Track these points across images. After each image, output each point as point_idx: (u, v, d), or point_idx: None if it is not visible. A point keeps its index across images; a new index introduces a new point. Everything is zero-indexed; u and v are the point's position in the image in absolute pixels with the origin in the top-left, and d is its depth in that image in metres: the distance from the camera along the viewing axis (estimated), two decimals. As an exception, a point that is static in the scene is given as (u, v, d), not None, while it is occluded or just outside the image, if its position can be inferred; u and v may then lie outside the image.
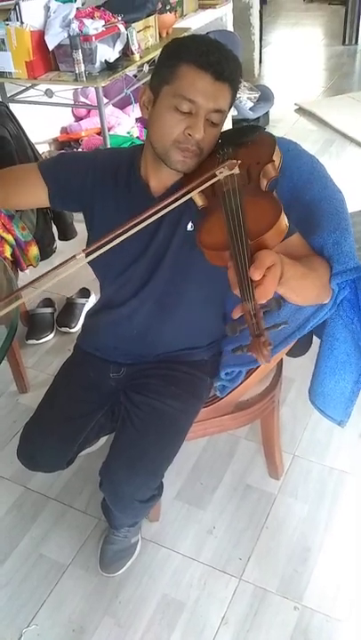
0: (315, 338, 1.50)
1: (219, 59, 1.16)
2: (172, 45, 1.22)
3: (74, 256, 1.13)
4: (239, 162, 1.15)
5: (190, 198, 1.16)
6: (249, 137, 1.25)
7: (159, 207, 1.14)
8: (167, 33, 3.17)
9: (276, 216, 1.03)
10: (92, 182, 1.37)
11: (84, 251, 1.13)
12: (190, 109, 1.18)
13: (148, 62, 2.94)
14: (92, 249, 1.13)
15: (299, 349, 1.55)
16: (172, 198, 1.14)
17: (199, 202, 1.18)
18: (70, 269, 1.11)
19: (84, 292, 2.68)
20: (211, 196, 1.16)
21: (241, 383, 1.51)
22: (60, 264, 1.13)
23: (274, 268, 0.98)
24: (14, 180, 1.40)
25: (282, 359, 1.66)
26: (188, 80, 1.16)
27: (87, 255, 1.13)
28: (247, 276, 0.94)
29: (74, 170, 1.39)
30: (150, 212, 1.14)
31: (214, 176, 1.14)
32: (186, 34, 3.03)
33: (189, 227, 1.29)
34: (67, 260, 1.13)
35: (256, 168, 1.15)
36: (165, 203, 1.13)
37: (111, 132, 3.44)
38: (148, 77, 1.33)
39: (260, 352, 0.90)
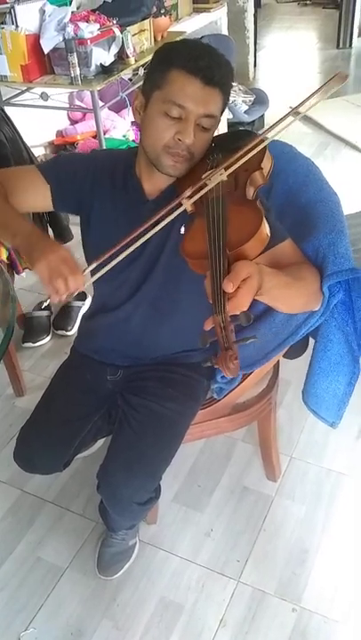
0: (311, 340, 1.51)
1: (209, 63, 1.16)
2: (163, 50, 1.23)
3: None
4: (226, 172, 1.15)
5: (180, 203, 1.17)
6: (239, 143, 1.24)
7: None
8: (162, 36, 3.18)
9: (257, 226, 1.02)
10: (91, 182, 1.36)
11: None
12: (180, 115, 1.18)
13: (143, 66, 2.94)
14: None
15: (295, 351, 1.56)
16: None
17: (188, 207, 1.18)
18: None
19: (81, 295, 2.68)
20: (198, 201, 1.17)
21: (238, 385, 1.51)
22: None
23: (250, 280, 0.97)
24: (15, 179, 1.37)
25: (278, 361, 1.67)
26: (177, 85, 1.16)
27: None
28: (221, 288, 0.94)
29: (73, 170, 1.38)
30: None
31: (205, 185, 1.14)
32: (181, 37, 3.05)
33: (182, 230, 1.29)
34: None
35: (244, 175, 1.15)
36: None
37: (107, 136, 3.44)
38: (143, 81, 1.34)
39: (226, 365, 0.90)
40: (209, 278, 0.98)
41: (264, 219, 1.04)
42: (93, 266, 1.15)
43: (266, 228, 1.04)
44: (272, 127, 1.21)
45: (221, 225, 1.04)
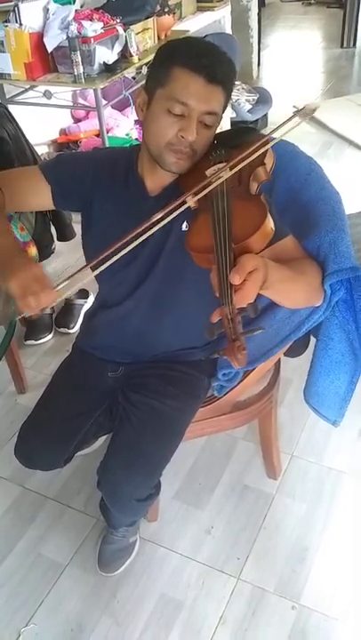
0: (312, 338, 1.51)
1: (211, 61, 1.17)
2: (166, 48, 1.23)
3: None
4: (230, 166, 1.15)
5: (184, 201, 1.17)
6: (241, 139, 1.25)
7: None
8: (166, 35, 3.18)
9: (262, 220, 1.03)
10: (92, 181, 1.37)
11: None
12: (183, 112, 1.18)
13: (146, 64, 2.94)
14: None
15: (297, 349, 1.56)
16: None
17: (191, 203, 1.19)
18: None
19: (83, 293, 2.68)
20: (202, 197, 1.17)
21: (239, 383, 1.51)
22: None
23: (256, 272, 0.98)
24: (17, 180, 1.39)
25: (280, 360, 1.67)
26: (180, 83, 1.17)
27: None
28: (227, 280, 0.95)
29: (74, 169, 1.39)
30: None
31: (210, 183, 1.15)
32: (184, 36, 3.04)
33: (184, 226, 1.29)
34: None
35: (247, 171, 1.16)
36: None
37: (110, 134, 3.45)
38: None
39: (234, 356, 0.91)
40: (215, 271, 0.99)
41: (268, 213, 1.05)
42: (103, 255, 1.16)
43: (270, 222, 1.05)
44: (279, 127, 1.21)
45: (227, 219, 1.05)
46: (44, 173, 1.37)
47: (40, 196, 1.38)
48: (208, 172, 1.20)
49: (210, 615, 1.58)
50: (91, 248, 1.43)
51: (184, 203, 1.17)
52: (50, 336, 2.54)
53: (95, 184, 1.37)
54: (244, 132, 1.30)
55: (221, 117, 1.25)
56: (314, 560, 1.68)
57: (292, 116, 1.22)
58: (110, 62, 2.71)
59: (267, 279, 1.03)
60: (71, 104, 3.50)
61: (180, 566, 1.70)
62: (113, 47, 2.75)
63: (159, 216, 1.16)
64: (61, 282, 1.14)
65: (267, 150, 1.19)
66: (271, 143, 1.19)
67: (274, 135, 1.22)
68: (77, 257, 1.19)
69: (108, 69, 2.71)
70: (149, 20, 2.99)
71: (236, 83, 4.01)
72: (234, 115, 3.92)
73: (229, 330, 0.93)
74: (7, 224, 1.30)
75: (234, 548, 1.73)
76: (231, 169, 1.16)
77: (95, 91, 2.68)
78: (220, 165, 1.19)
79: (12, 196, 1.34)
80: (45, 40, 2.64)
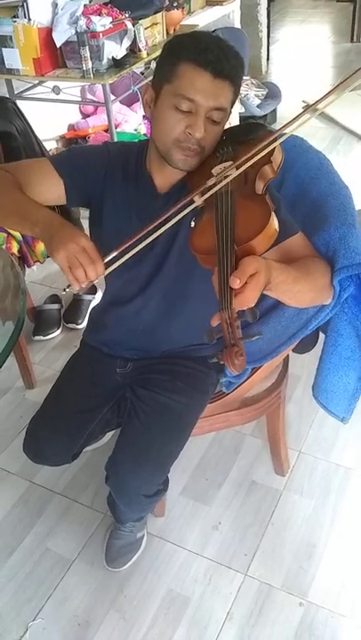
0: (321, 334, 1.50)
1: (218, 56, 1.15)
2: (172, 43, 1.22)
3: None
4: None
5: (192, 200, 1.16)
6: (250, 135, 1.23)
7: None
8: (174, 30, 3.17)
9: (265, 222, 1.01)
10: (104, 177, 1.35)
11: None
12: (190, 108, 1.17)
13: (155, 59, 2.93)
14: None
15: (305, 346, 1.55)
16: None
17: (199, 202, 1.18)
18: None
19: (91, 289, 2.69)
20: (208, 196, 1.16)
21: (247, 379, 1.51)
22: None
23: (257, 275, 0.97)
24: (28, 172, 1.34)
25: (288, 356, 1.66)
26: (187, 79, 1.15)
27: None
28: (228, 284, 0.94)
29: (86, 164, 1.36)
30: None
31: (216, 183, 1.13)
32: (190, 31, 3.03)
33: (192, 224, 1.28)
34: None
35: (254, 169, 1.14)
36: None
37: (118, 130, 3.44)
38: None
39: (231, 362, 0.90)
40: (216, 273, 0.97)
41: (273, 214, 1.03)
42: (114, 254, 1.14)
43: (274, 224, 1.03)
44: (288, 124, 1.19)
45: (230, 220, 1.03)
46: (58, 168, 1.33)
47: (51, 190, 1.34)
48: (214, 171, 1.18)
49: (217, 611, 1.58)
50: (100, 243, 1.42)
51: (192, 202, 1.15)
52: (58, 331, 2.55)
53: (107, 181, 1.35)
54: (253, 128, 1.28)
55: (230, 113, 1.24)
56: (321, 556, 1.68)
57: (302, 113, 1.20)
58: (119, 57, 2.71)
59: (270, 281, 1.02)
60: (80, 99, 3.50)
61: (188, 562, 1.70)
62: (122, 42, 2.74)
63: (169, 214, 1.14)
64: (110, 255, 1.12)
65: (274, 148, 1.17)
66: (279, 140, 1.17)
67: (285, 131, 1.20)
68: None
69: (117, 64, 2.70)
70: (158, 14, 2.98)
71: (245, 77, 4.00)
72: (243, 110, 3.90)
73: (228, 334, 0.92)
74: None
75: (241, 543, 1.73)
76: (238, 168, 1.14)
77: (104, 86, 2.67)
78: (227, 164, 1.17)
79: (24, 187, 1.29)
80: (54, 35, 2.64)
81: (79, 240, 1.11)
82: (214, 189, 1.13)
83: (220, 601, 1.60)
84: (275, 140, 1.16)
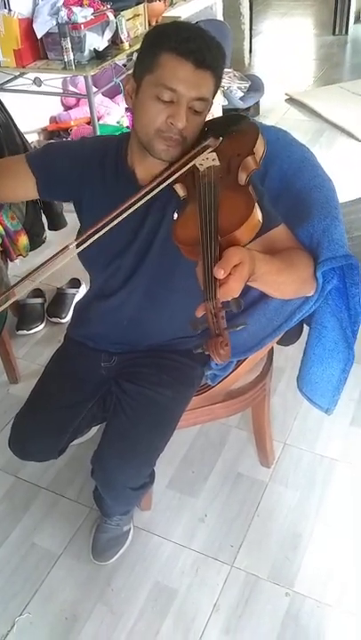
0: (305, 327, 1.51)
1: (200, 46, 1.14)
2: (153, 33, 1.21)
3: (67, 246, 1.13)
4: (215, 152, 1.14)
5: (173, 188, 1.16)
6: (233, 126, 1.23)
7: (141, 194, 1.14)
8: (156, 21, 3.15)
9: (249, 212, 1.01)
10: (81, 172, 1.36)
11: (76, 240, 1.13)
12: (172, 98, 1.16)
13: (137, 51, 2.92)
14: (82, 239, 1.13)
15: (290, 338, 1.56)
16: (153, 184, 1.14)
17: (180, 192, 1.18)
18: (63, 260, 1.12)
19: (75, 283, 2.67)
20: (191, 187, 1.16)
21: (232, 372, 1.51)
22: (53, 255, 1.13)
23: (241, 266, 0.97)
24: (1, 170, 1.39)
25: (272, 348, 1.67)
26: (168, 69, 1.15)
27: (78, 246, 1.14)
28: (212, 274, 0.94)
29: (62, 160, 1.37)
30: (133, 200, 1.14)
31: (195, 167, 1.14)
32: (171, 21, 3.01)
33: (175, 216, 1.28)
34: (60, 251, 1.14)
35: (236, 160, 1.14)
36: (146, 190, 1.14)
37: (101, 122, 3.42)
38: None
39: (216, 352, 0.91)
40: (200, 264, 0.97)
41: (256, 205, 1.04)
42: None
43: (258, 215, 1.03)
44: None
45: (213, 211, 1.03)
46: (30, 164, 1.36)
47: (24, 187, 1.37)
48: (196, 162, 1.18)
49: (204, 602, 1.59)
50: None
51: (170, 185, 1.15)
52: (42, 326, 2.53)
53: (84, 175, 1.35)
54: (235, 119, 1.28)
55: (212, 103, 1.23)
56: (307, 547, 1.69)
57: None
58: (101, 49, 2.69)
59: (254, 272, 1.02)
60: (61, 91, 3.47)
61: (174, 554, 1.70)
62: (103, 34, 2.73)
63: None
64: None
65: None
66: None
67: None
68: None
69: (99, 56, 2.68)
70: (140, 6, 2.96)
71: (228, 70, 3.99)
72: (225, 102, 3.89)
73: (213, 325, 0.93)
74: None
75: (227, 535, 1.74)
76: (220, 159, 1.14)
77: (85, 78, 2.65)
78: (209, 154, 1.17)
79: None
80: (35, 26, 2.62)
81: None
82: (191, 164, 1.13)
83: (206, 592, 1.61)
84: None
